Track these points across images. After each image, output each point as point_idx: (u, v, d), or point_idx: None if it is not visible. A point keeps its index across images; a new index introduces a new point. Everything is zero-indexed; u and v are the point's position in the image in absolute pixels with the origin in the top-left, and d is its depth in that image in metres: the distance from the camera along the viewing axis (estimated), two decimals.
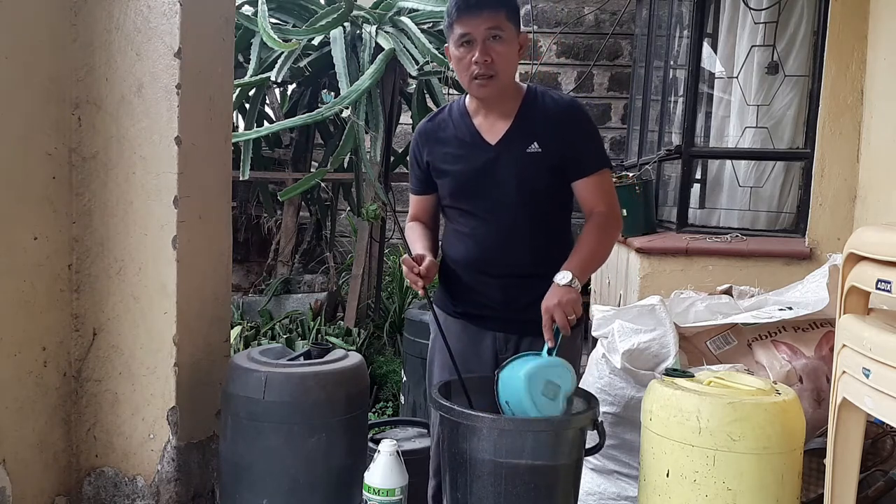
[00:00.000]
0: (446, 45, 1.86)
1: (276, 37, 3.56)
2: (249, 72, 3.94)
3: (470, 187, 1.86)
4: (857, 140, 3.05)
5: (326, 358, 1.98)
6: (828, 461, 1.58)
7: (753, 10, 3.72)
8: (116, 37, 2.02)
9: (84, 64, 2.03)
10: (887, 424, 1.86)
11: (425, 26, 4.19)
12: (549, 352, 1.69)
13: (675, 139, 3.99)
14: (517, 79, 1.90)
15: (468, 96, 1.90)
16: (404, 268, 1.78)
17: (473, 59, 1.73)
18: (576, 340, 1.92)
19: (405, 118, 4.86)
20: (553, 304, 1.69)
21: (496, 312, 1.89)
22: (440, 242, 2.03)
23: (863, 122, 3.03)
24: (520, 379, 1.62)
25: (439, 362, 1.94)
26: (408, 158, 2.07)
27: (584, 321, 1.92)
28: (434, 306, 1.94)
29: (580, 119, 1.87)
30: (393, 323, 4.27)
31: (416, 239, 1.93)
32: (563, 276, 1.73)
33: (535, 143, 1.81)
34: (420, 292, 1.76)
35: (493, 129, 1.85)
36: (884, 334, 1.38)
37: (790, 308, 2.31)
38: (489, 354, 1.91)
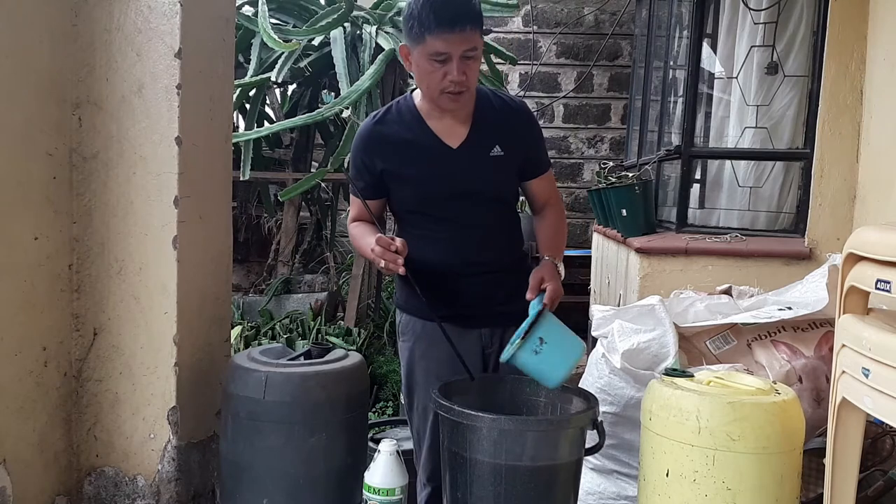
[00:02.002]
0: (402, 44, 1.81)
1: (276, 37, 3.56)
2: (250, 72, 3.94)
3: (437, 192, 1.83)
4: (857, 140, 3.05)
5: (326, 358, 1.98)
6: (827, 461, 1.58)
7: (753, 10, 3.72)
8: (117, 37, 2.02)
9: (84, 64, 2.03)
10: (887, 424, 1.86)
11: None
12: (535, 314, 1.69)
13: (675, 139, 3.99)
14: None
15: (417, 99, 1.86)
16: (377, 248, 1.68)
17: (449, 77, 1.69)
18: None
19: None
20: (549, 275, 1.78)
21: (478, 310, 1.89)
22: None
23: (862, 122, 3.03)
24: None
25: (424, 369, 1.92)
26: (348, 162, 2.02)
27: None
28: (408, 315, 1.94)
29: (533, 122, 1.95)
30: (393, 323, 4.27)
31: (367, 232, 1.85)
32: (553, 262, 1.85)
33: (497, 147, 1.83)
34: (400, 271, 1.67)
35: (452, 133, 1.83)
36: (883, 334, 1.38)
37: (790, 308, 2.32)
38: (477, 352, 1.91)
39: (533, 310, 1.71)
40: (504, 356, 1.68)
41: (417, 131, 1.83)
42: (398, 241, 1.70)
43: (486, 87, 1.94)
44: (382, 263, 1.69)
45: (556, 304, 1.76)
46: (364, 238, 1.84)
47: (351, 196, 1.99)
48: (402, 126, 1.85)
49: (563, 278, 1.84)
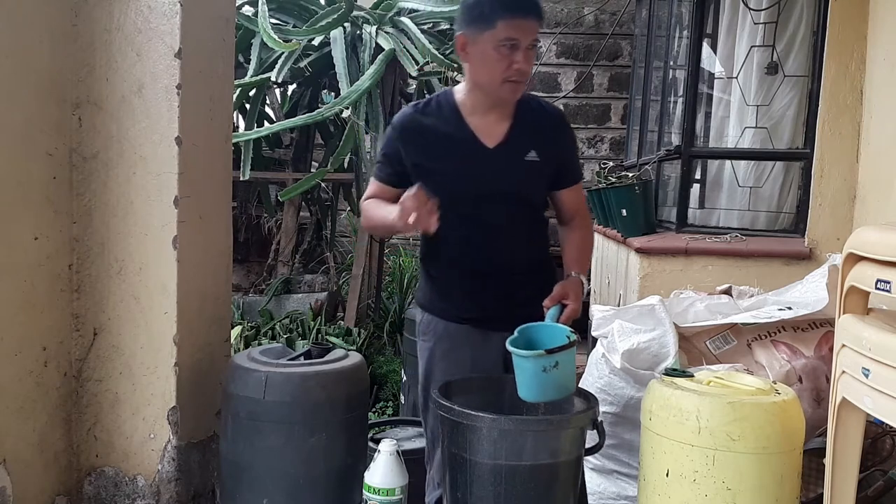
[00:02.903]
0: (461, 33, 1.76)
1: (276, 37, 3.56)
2: (250, 72, 3.94)
3: (466, 190, 1.81)
4: (857, 140, 3.05)
5: (326, 358, 1.98)
6: (827, 461, 1.58)
7: (753, 10, 3.72)
8: (117, 37, 2.02)
9: (84, 64, 2.03)
10: (887, 424, 1.86)
11: (425, 27, 4.19)
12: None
13: (675, 139, 3.99)
14: None
15: (458, 94, 1.85)
16: (410, 203, 1.58)
17: (515, 65, 1.70)
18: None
19: None
20: (574, 294, 1.75)
21: (498, 313, 1.85)
22: (427, 251, 1.96)
23: (862, 122, 3.03)
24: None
25: (443, 371, 1.89)
26: (384, 138, 1.93)
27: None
28: (430, 314, 1.93)
29: (569, 129, 1.94)
30: (393, 323, 4.27)
31: (384, 204, 1.81)
32: (583, 280, 1.82)
33: (533, 152, 1.82)
34: (432, 227, 1.59)
35: (490, 133, 1.82)
36: (883, 334, 1.38)
37: (790, 308, 2.32)
38: (497, 355, 1.88)
39: (550, 318, 1.70)
40: (514, 346, 1.62)
41: (455, 127, 1.81)
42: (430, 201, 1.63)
43: (539, 98, 1.95)
44: (412, 219, 1.58)
45: (570, 322, 1.74)
46: (382, 207, 1.79)
47: (372, 179, 1.92)
48: (440, 119, 1.82)
49: (585, 293, 1.84)
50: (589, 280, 1.90)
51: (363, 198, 1.94)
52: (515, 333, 1.67)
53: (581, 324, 1.85)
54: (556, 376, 1.59)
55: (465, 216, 1.81)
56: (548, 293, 1.78)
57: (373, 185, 1.91)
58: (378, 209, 1.81)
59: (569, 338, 1.63)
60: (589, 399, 1.75)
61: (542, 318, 1.73)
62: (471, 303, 1.88)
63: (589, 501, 2.02)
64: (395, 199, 1.77)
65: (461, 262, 1.88)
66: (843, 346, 1.50)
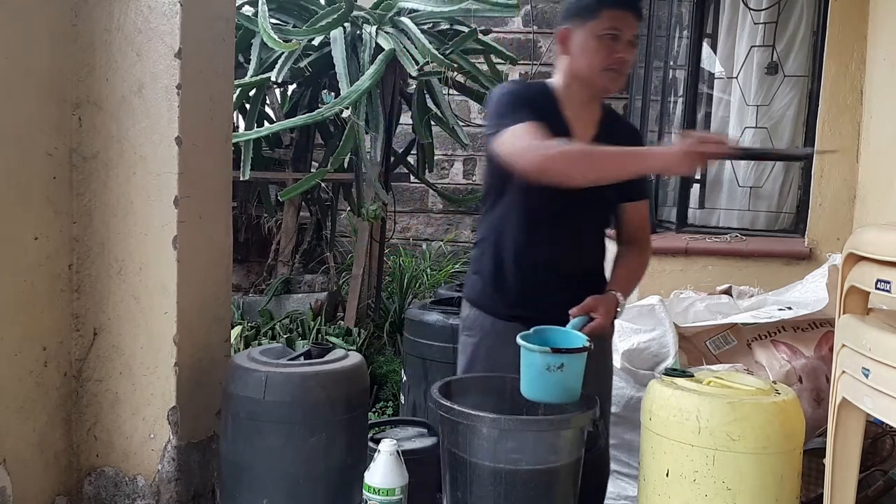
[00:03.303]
0: (563, 27, 1.80)
1: (276, 37, 3.55)
2: (250, 72, 3.94)
3: (547, 190, 1.69)
4: (857, 140, 3.05)
5: (326, 358, 1.98)
6: (827, 461, 1.58)
7: (753, 10, 3.72)
8: (117, 37, 2.02)
9: (84, 64, 2.03)
10: (887, 424, 1.86)
11: (425, 26, 4.19)
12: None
13: (675, 139, 3.98)
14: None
15: (558, 85, 1.83)
16: (710, 147, 1.55)
17: (617, 54, 1.74)
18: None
19: (405, 118, 4.85)
20: (606, 310, 1.72)
21: (552, 315, 1.76)
22: (494, 240, 1.87)
23: (862, 122, 3.04)
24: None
25: (486, 369, 1.87)
26: (501, 103, 1.75)
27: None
28: (477, 310, 1.90)
29: (642, 143, 1.99)
30: (393, 323, 4.27)
31: (607, 147, 1.70)
32: (620, 301, 1.79)
33: None
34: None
35: (583, 129, 1.81)
36: (883, 334, 1.38)
37: (790, 308, 2.32)
38: None
39: (572, 327, 1.69)
40: (525, 341, 1.62)
41: (552, 114, 1.78)
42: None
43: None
44: (704, 148, 1.55)
45: (592, 335, 1.70)
46: (610, 148, 1.65)
47: (520, 125, 1.66)
48: (539, 103, 1.78)
49: (618, 316, 1.80)
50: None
51: (525, 142, 1.64)
52: (531, 331, 1.66)
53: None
54: (560, 378, 1.58)
55: (549, 210, 1.79)
56: None
57: (529, 126, 1.65)
58: (606, 149, 1.67)
59: (583, 344, 1.62)
60: (589, 399, 1.75)
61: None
62: (525, 300, 1.83)
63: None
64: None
65: (530, 256, 1.82)
66: (843, 346, 1.50)
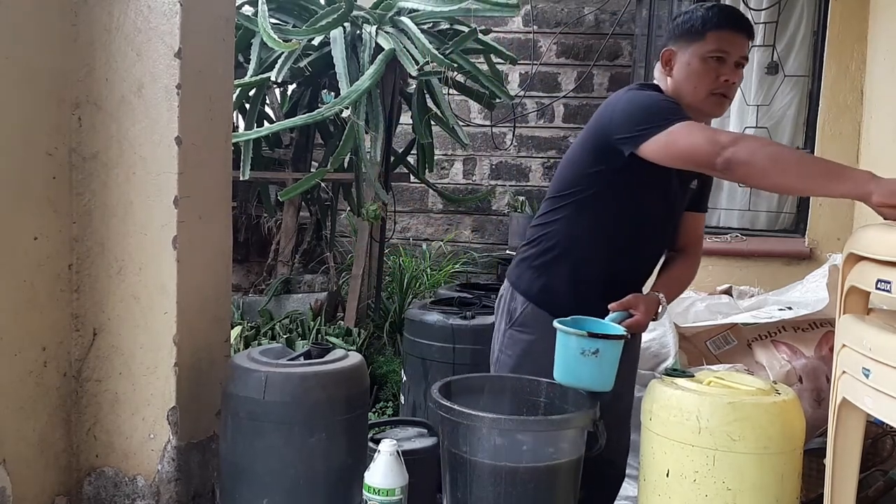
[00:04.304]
0: (667, 48, 1.78)
1: (276, 37, 3.55)
2: (249, 72, 3.94)
3: (648, 202, 1.80)
4: (857, 140, 3.05)
5: (326, 358, 1.98)
6: (828, 461, 1.58)
7: (753, 10, 3.72)
8: (117, 37, 2.02)
9: (84, 64, 2.03)
10: (887, 424, 1.86)
11: (425, 26, 4.19)
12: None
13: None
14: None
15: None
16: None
17: (723, 77, 1.70)
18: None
19: (405, 118, 4.86)
20: (645, 309, 1.73)
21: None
22: (570, 245, 1.86)
23: (863, 122, 3.04)
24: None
25: (537, 366, 1.83)
26: (656, 103, 1.71)
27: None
28: (538, 308, 1.88)
29: None
30: (393, 323, 4.27)
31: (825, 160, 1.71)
32: (662, 302, 1.79)
33: (696, 180, 1.85)
34: None
35: None
36: (884, 334, 1.38)
37: (790, 308, 2.32)
38: None
39: (610, 321, 1.70)
40: (563, 324, 1.63)
41: None
42: None
43: None
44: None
45: (639, 329, 1.76)
46: (826, 161, 1.60)
47: (684, 123, 1.61)
48: None
49: (658, 317, 1.79)
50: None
51: (711, 133, 1.58)
52: (569, 319, 1.67)
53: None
54: (594, 365, 1.60)
55: (636, 221, 1.82)
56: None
57: (696, 125, 1.64)
58: (814, 158, 1.83)
59: (622, 334, 1.64)
60: (589, 399, 1.75)
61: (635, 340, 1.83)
62: (598, 305, 1.78)
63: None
64: None
65: (608, 261, 1.83)
66: (844, 346, 1.50)
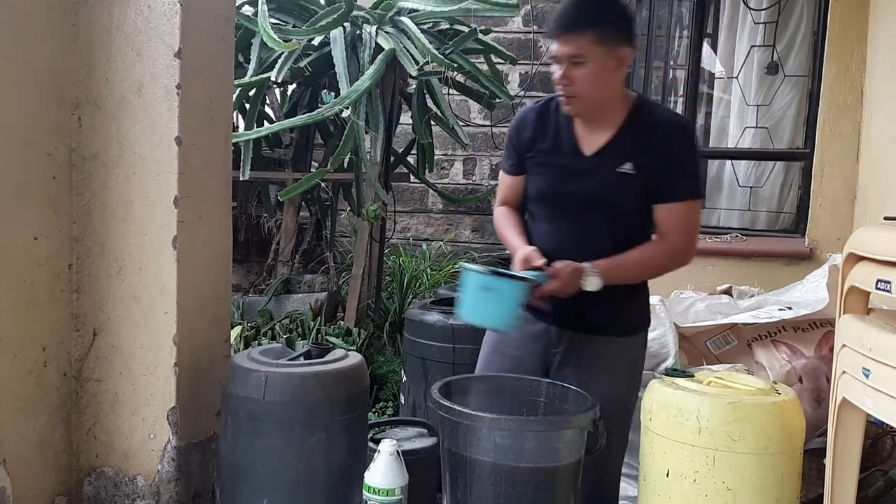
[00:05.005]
0: None
1: (276, 37, 3.55)
2: (249, 72, 3.94)
3: (559, 192, 1.87)
4: (857, 140, 3.05)
5: (326, 358, 1.98)
6: (828, 461, 1.58)
7: (753, 10, 3.72)
8: (117, 37, 2.02)
9: (84, 64, 2.03)
10: (887, 424, 1.86)
11: (425, 26, 4.19)
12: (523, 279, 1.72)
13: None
14: (621, 88, 1.84)
15: None
16: (521, 265, 1.77)
17: (559, 79, 1.77)
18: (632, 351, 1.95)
19: (405, 118, 4.85)
20: (565, 278, 1.73)
21: (556, 307, 1.83)
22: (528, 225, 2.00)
23: (862, 122, 3.04)
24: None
25: (491, 357, 1.98)
26: (506, 137, 2.03)
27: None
28: None
29: (682, 142, 1.82)
30: (393, 323, 4.27)
31: (510, 227, 1.95)
32: (592, 274, 1.74)
33: (630, 164, 1.79)
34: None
35: (591, 140, 1.84)
36: (884, 334, 1.38)
37: (790, 308, 2.32)
38: (540, 346, 1.91)
39: (529, 276, 1.73)
40: (467, 267, 1.76)
41: (563, 129, 1.87)
42: (535, 261, 1.76)
43: (653, 102, 1.93)
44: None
45: (555, 291, 1.74)
46: (510, 231, 1.94)
47: (500, 175, 2.04)
48: (553, 119, 1.89)
49: (590, 288, 1.75)
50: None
51: (496, 203, 2.03)
52: (486, 268, 1.77)
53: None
54: (492, 302, 1.67)
55: (555, 214, 1.90)
56: (624, 307, 1.86)
57: (501, 179, 2.03)
58: (506, 231, 1.96)
59: (524, 278, 1.69)
60: (589, 399, 1.75)
61: (595, 326, 1.84)
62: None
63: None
64: (521, 190, 1.95)
65: (546, 241, 1.88)
66: (844, 346, 1.50)
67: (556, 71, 1.77)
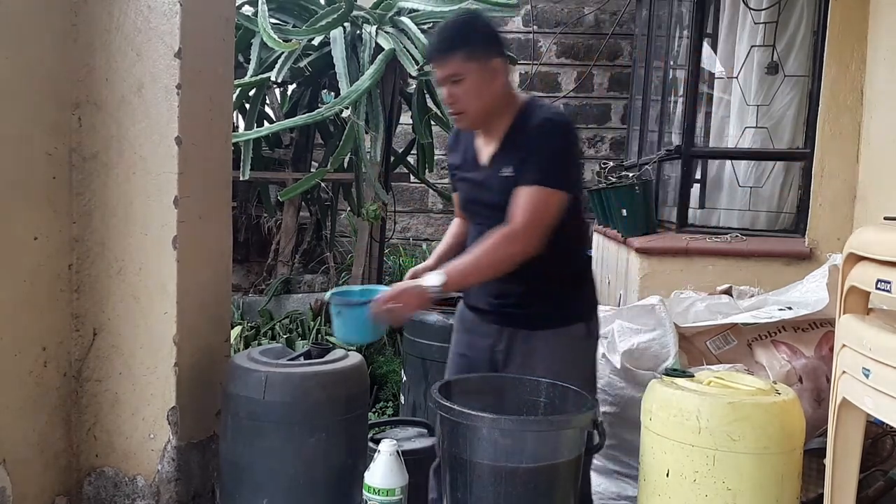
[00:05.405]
0: None
1: (276, 37, 3.55)
2: (249, 72, 3.94)
3: (470, 199, 2.02)
4: (857, 140, 3.05)
5: (326, 358, 1.98)
6: (828, 461, 1.58)
7: (753, 10, 3.72)
8: (117, 37, 2.02)
9: (84, 64, 2.03)
10: (887, 424, 1.86)
11: (425, 26, 4.19)
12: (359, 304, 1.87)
13: (675, 139, 3.99)
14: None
15: None
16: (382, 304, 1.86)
17: (446, 97, 1.89)
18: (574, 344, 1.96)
19: (405, 118, 4.86)
20: (397, 291, 1.81)
21: (493, 307, 1.96)
22: None
23: (862, 122, 3.03)
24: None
25: (452, 344, 2.11)
26: None
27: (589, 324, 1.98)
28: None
29: (544, 133, 1.86)
30: None
31: (443, 239, 2.18)
32: (432, 278, 1.81)
33: (511, 167, 1.86)
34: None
35: (486, 151, 1.95)
36: (884, 334, 1.38)
37: (790, 308, 2.32)
38: (487, 346, 1.98)
39: (368, 294, 1.91)
40: (338, 293, 1.96)
41: (469, 144, 2.00)
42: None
43: (538, 102, 1.96)
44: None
45: (396, 309, 1.79)
46: (440, 244, 2.18)
47: None
48: (465, 137, 2.03)
49: (436, 295, 1.79)
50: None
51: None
52: (357, 289, 2.12)
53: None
54: (348, 323, 1.86)
55: (474, 220, 2.03)
56: (556, 301, 1.91)
57: (454, 198, 2.16)
58: (441, 243, 2.19)
59: (363, 301, 1.84)
60: (589, 399, 1.75)
61: (532, 320, 1.91)
62: (477, 293, 2.01)
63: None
64: (458, 201, 2.11)
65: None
66: (844, 346, 1.50)
67: (443, 94, 1.89)
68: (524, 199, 1.80)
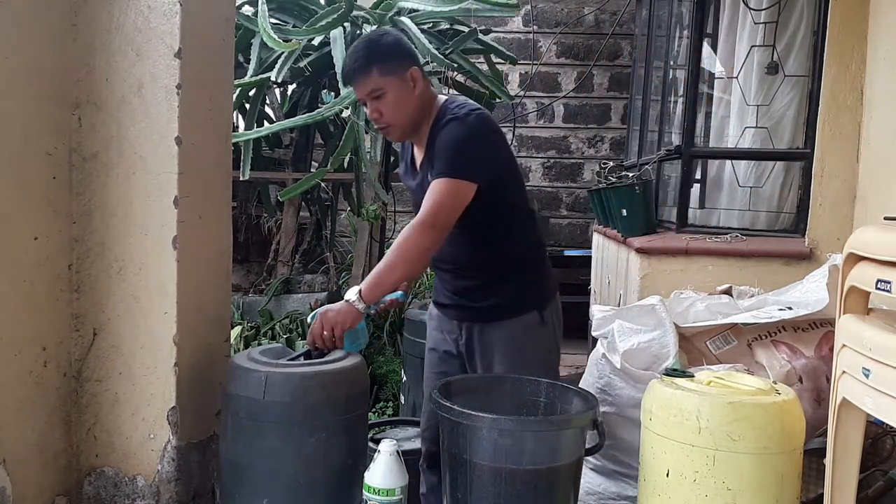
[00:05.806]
0: None
1: (276, 37, 3.56)
2: (249, 72, 3.94)
3: (416, 207, 2.04)
4: (857, 140, 3.05)
5: (326, 358, 1.98)
6: (828, 461, 1.58)
7: (753, 10, 3.72)
8: (116, 37, 2.02)
9: (84, 64, 2.03)
10: (887, 424, 1.86)
11: (425, 26, 4.19)
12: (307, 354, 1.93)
13: (675, 139, 3.99)
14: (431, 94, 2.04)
15: None
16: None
17: (370, 114, 1.99)
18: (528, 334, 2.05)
19: None
20: (322, 317, 1.88)
21: (454, 301, 2.10)
22: None
23: (862, 122, 3.03)
24: None
25: (427, 339, 2.25)
26: None
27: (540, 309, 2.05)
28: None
29: (448, 129, 1.91)
30: (393, 323, 4.27)
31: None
32: (351, 290, 1.89)
33: (432, 169, 1.93)
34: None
35: (418, 157, 2.07)
36: (884, 334, 1.38)
37: (790, 308, 2.32)
38: (452, 340, 2.12)
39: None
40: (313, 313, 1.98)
41: (410, 151, 2.15)
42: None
43: (452, 104, 1.98)
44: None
45: (326, 333, 1.87)
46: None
47: None
48: (407, 147, 2.17)
49: (364, 305, 1.87)
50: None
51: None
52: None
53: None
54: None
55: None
56: (503, 290, 2.00)
57: None
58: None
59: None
60: (589, 399, 1.75)
61: (491, 313, 2.01)
62: (440, 290, 2.18)
63: (589, 502, 2.04)
64: None
65: (434, 259, 2.12)
66: (844, 346, 1.50)
67: (367, 111, 1.99)
68: (429, 193, 1.88)
